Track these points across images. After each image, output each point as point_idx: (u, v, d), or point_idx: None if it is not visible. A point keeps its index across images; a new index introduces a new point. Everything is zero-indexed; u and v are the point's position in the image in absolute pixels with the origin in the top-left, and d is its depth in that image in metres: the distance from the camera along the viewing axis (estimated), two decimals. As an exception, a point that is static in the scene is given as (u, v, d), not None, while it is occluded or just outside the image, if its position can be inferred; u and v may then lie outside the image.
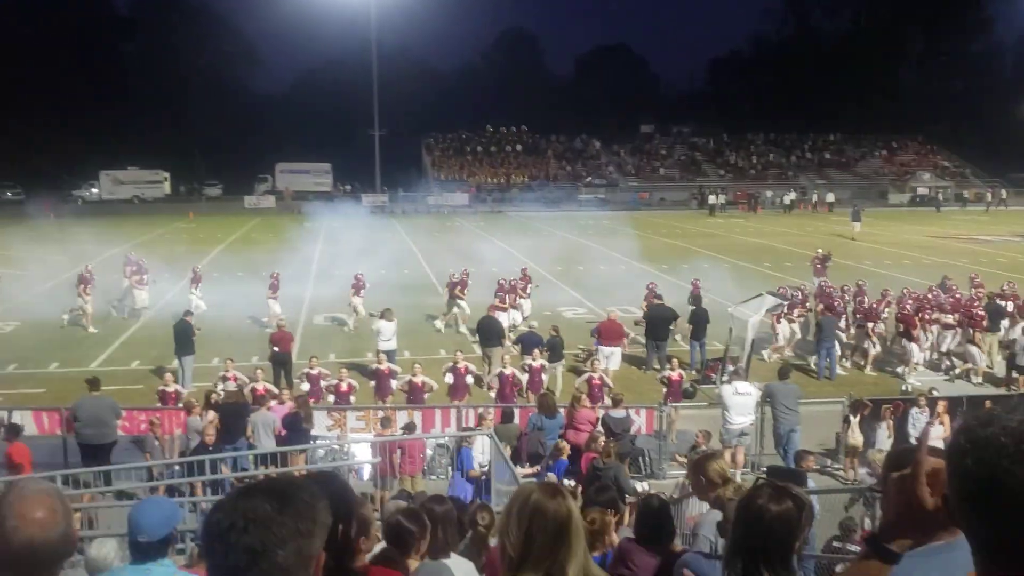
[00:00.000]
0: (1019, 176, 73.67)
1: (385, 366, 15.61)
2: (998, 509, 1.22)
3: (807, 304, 20.74)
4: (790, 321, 19.43)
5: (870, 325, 18.68)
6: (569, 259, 33.69)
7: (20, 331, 22.33)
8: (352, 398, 14.96)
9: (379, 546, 4.46)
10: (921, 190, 67.56)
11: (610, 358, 17.44)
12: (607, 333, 17.80)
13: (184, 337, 17.16)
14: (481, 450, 11.69)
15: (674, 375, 15.52)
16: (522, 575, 2.39)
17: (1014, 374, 16.89)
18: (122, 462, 11.57)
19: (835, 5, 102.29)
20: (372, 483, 11.40)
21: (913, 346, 17.99)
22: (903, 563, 2.17)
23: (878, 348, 18.80)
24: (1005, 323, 19.09)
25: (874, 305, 19.40)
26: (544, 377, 16.17)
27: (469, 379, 15.53)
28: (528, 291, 22.42)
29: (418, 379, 14.86)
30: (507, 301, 20.92)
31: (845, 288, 21.27)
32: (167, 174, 74.35)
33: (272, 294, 21.99)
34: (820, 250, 27.34)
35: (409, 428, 12.41)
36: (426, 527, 4.24)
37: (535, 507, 2.42)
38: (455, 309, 21.92)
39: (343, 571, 2.86)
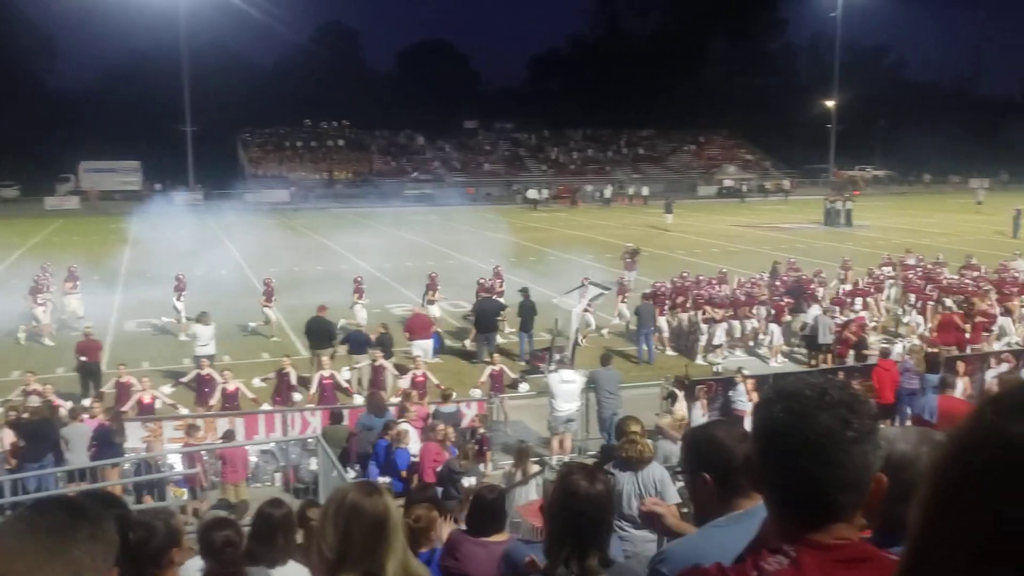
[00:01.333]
0: (814, 167, 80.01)
1: (206, 372, 14.97)
2: (800, 453, 1.38)
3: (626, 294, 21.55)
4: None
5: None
6: (397, 255, 33.48)
7: None
8: (157, 405, 14.20)
9: (196, 559, 4.28)
10: (727, 182, 71.90)
11: (424, 352, 17.50)
12: (415, 327, 17.85)
13: None
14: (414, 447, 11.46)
15: (495, 368, 15.73)
16: (341, 575, 2.36)
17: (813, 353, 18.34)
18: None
19: (644, 7, 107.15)
20: (188, 494, 10.90)
21: (717, 329, 19.18)
22: (707, 532, 2.30)
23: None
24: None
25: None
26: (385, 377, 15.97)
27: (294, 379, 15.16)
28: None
29: (231, 386, 14.36)
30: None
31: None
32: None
33: (70, 289, 20.64)
34: (629, 245, 28.43)
35: (228, 436, 11.94)
36: (240, 534, 4.09)
37: (352, 506, 2.40)
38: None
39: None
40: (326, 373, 15.17)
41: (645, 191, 64.63)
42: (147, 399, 13.96)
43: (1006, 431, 0.60)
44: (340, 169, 72.79)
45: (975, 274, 22.78)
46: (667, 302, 20.06)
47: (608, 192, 64.80)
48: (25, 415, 11.82)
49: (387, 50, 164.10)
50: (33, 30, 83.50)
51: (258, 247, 34.64)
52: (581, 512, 2.68)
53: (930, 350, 15.93)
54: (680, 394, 14.00)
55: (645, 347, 19.02)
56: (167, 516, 3.35)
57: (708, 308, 19.38)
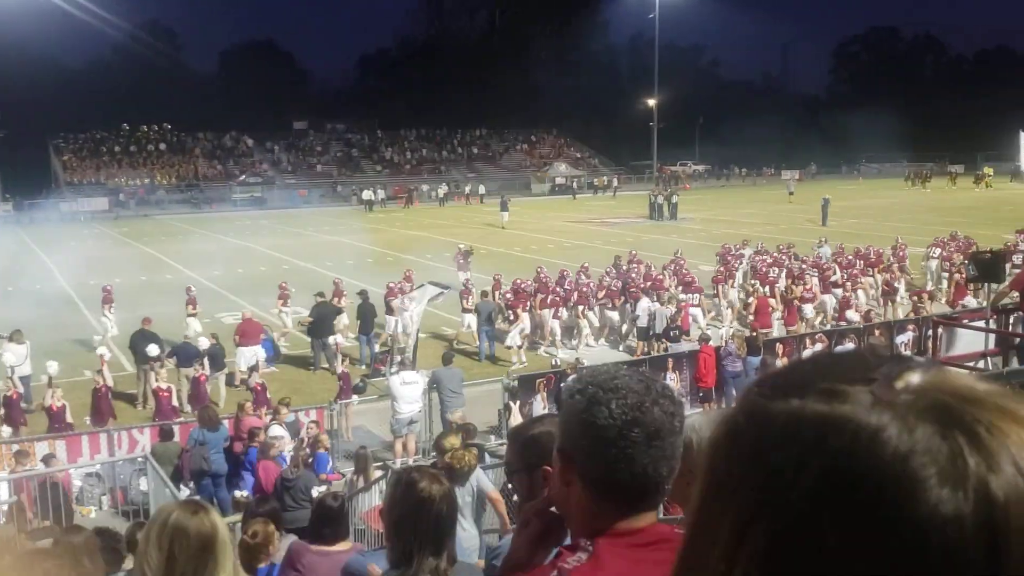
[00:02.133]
0: (639, 163, 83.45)
1: (12, 391, 13.96)
2: (637, 446, 1.43)
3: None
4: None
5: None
6: (227, 262, 32.31)
7: None
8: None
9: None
10: (559, 180, 73.70)
11: (248, 359, 17.08)
12: (245, 333, 17.36)
13: None
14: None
15: (343, 371, 15.54)
16: None
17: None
18: None
19: (472, 6, 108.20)
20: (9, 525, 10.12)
21: (554, 323, 19.70)
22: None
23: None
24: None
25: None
26: (207, 387, 15.42)
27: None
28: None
29: (56, 403, 13.49)
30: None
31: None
32: None
33: None
34: (462, 245, 28.49)
35: (48, 459, 11.18)
36: (65, 562, 3.86)
37: (176, 526, 2.33)
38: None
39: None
40: (163, 386, 14.49)
41: (481, 189, 65.29)
42: None
43: (768, 409, 0.64)
44: (162, 174, 69.33)
45: (769, 259, 24.42)
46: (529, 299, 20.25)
47: (443, 191, 64.96)
48: None
49: (209, 50, 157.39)
50: None
51: (76, 259, 32.56)
52: (427, 514, 2.70)
53: (749, 334, 17.00)
54: (513, 406, 14.22)
55: (486, 343, 19.24)
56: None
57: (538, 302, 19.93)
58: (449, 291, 19.49)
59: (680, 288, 21.29)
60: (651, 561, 1.39)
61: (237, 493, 9.73)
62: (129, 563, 5.68)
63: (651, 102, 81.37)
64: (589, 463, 1.46)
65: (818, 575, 0.59)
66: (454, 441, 6.76)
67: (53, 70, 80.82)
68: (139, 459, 11.43)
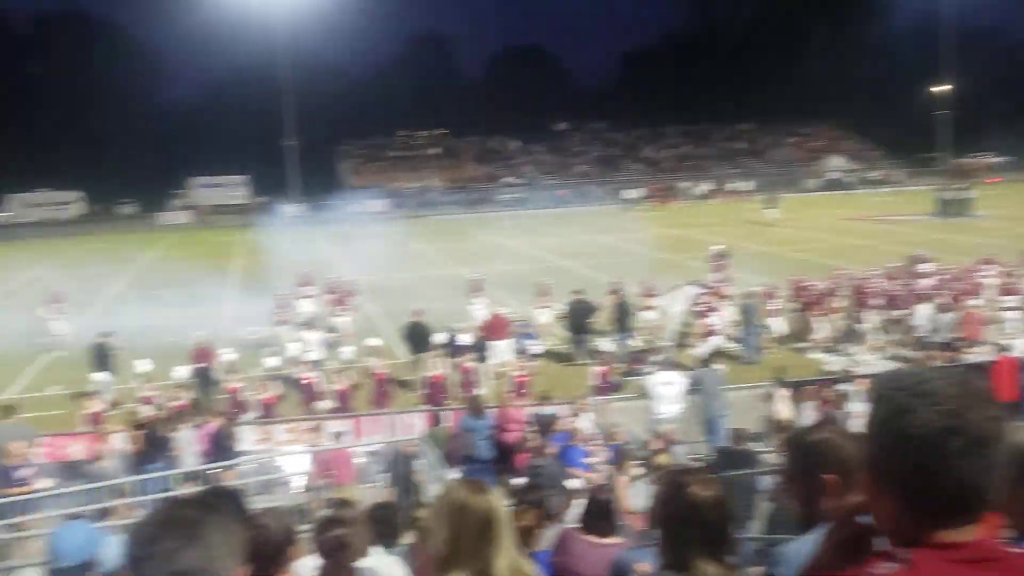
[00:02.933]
0: (924, 156, 76.65)
1: (311, 375, 15.42)
2: (956, 455, 1.29)
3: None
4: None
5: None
6: (490, 259, 33.70)
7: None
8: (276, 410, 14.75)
9: (312, 558, 4.37)
10: (832, 174, 69.68)
11: (502, 353, 17.53)
12: (492, 328, 17.89)
13: (102, 357, 16.62)
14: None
15: (600, 369, 15.65)
16: (451, 573, 2.37)
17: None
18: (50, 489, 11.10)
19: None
20: (303, 495, 11.19)
21: (820, 325, 18.67)
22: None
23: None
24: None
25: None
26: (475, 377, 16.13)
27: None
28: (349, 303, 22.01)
29: (340, 386, 14.82)
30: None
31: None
32: (79, 194, 72.10)
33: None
34: (717, 246, 26.94)
35: (338, 437, 12.22)
36: (355, 531, 4.15)
37: (459, 505, 2.41)
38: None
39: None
40: (435, 374, 15.47)
41: (745, 186, 63.15)
42: (268, 398, 14.55)
43: None
44: (435, 177, 73.88)
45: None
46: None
47: (701, 189, 63.56)
48: (142, 422, 12.38)
49: (479, 56, 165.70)
50: (143, 51, 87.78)
51: (358, 255, 35.46)
52: (696, 519, 2.59)
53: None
54: (783, 394, 13.61)
55: (750, 346, 18.57)
56: (282, 516, 3.44)
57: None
58: (708, 291, 19.09)
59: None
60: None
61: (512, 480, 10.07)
62: (406, 538, 6.05)
63: (940, 89, 74.64)
64: (901, 474, 1.34)
65: None
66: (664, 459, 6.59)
67: (342, 81, 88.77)
68: (415, 441, 12.14)
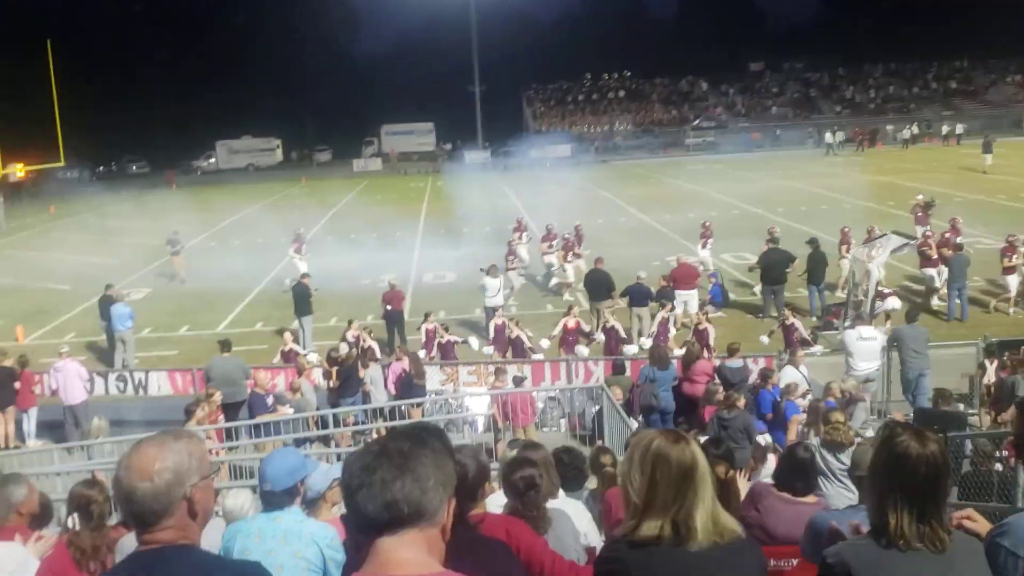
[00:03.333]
0: None
1: (499, 320, 15.77)
2: None
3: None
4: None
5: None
6: (678, 206, 33.00)
7: (152, 297, 23.46)
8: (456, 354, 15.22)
9: (497, 495, 4.46)
10: (1059, 115, 62.79)
11: (687, 303, 17.16)
12: (680, 277, 17.41)
13: (302, 299, 17.65)
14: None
15: (790, 323, 15.01)
16: (647, 522, 2.33)
17: None
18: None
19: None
20: (487, 434, 11.54)
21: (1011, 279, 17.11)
22: None
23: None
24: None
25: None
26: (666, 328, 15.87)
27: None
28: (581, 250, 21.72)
29: (515, 334, 15.02)
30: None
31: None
32: (279, 141, 76.72)
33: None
34: (921, 196, 25.21)
35: (518, 382, 12.45)
36: (544, 472, 4.20)
37: (657, 453, 2.36)
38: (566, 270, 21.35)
39: (463, 517, 2.86)
40: (610, 323, 15.40)
41: (959, 129, 58.01)
42: (445, 341, 15.10)
43: None
44: (621, 121, 72.84)
45: None
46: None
47: (908, 132, 58.97)
48: (338, 359, 13.10)
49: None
50: (340, 3, 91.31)
51: (542, 201, 35.72)
52: (903, 472, 2.41)
53: None
54: (991, 365, 12.54)
55: (958, 302, 17.25)
56: (477, 453, 3.51)
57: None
58: (914, 243, 17.82)
59: None
60: None
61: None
62: (591, 483, 6.09)
63: None
64: None
65: None
66: (607, 459, 6.24)
67: (527, 26, 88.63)
68: (594, 388, 12.19)
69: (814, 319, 17.44)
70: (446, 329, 15.66)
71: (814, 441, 8.63)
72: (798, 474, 4.50)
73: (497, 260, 19.24)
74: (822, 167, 47.06)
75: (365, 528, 1.72)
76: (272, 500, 3.68)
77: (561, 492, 4.66)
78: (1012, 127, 61.46)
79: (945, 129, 59.43)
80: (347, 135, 75.28)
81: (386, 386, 13.18)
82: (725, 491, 4.82)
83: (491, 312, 17.10)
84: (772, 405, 10.89)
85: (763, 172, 45.65)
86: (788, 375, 11.55)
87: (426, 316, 16.21)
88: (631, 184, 42.56)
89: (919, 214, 23.00)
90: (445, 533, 1.78)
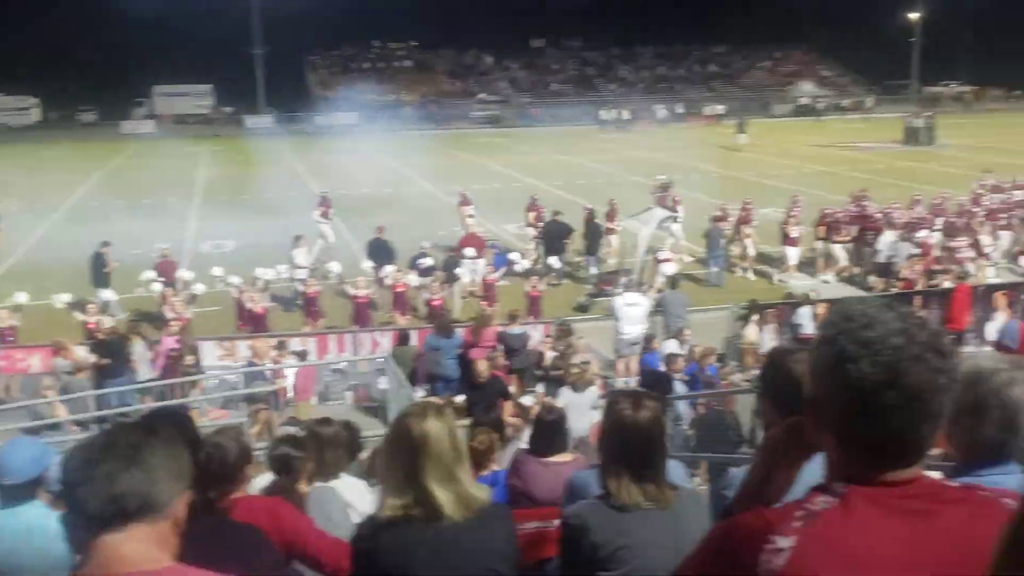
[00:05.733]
0: (895, 84, 76.55)
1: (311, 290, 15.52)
2: (893, 408, 1.28)
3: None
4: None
5: (746, 230, 19.43)
6: (463, 178, 33.40)
7: None
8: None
9: (266, 476, 4.40)
10: (803, 100, 69.29)
11: (475, 271, 17.49)
12: (466, 246, 17.85)
13: (98, 270, 16.48)
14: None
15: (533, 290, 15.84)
16: (389, 499, 2.36)
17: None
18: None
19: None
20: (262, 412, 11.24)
21: (791, 250, 18.83)
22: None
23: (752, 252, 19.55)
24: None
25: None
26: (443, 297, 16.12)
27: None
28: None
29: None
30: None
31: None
32: (35, 99, 69.83)
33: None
34: (660, 177, 25.94)
35: (302, 355, 12.24)
36: (311, 451, 4.18)
37: (397, 428, 2.40)
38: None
39: (209, 504, 2.79)
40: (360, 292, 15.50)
41: (719, 110, 62.59)
42: (258, 309, 14.58)
43: None
44: (408, 91, 72.46)
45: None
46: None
47: (663, 113, 61.64)
48: (101, 335, 12.26)
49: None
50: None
51: (327, 169, 34.96)
52: (629, 439, 2.63)
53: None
54: (754, 320, 13.84)
55: (715, 270, 18.75)
56: (237, 434, 3.43)
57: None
58: (677, 215, 19.13)
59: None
60: (910, 512, 1.28)
61: (458, 399, 10.14)
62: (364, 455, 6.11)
63: (912, 15, 74.06)
64: (836, 419, 1.34)
65: None
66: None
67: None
68: (379, 360, 12.20)
69: (590, 286, 18.35)
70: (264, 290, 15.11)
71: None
72: (548, 437, 4.71)
73: (282, 229, 18.72)
74: (597, 142, 49.22)
75: (87, 525, 1.61)
76: (15, 493, 3.37)
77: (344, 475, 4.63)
78: (763, 109, 67.17)
79: (706, 110, 63.96)
80: (116, 95, 69.61)
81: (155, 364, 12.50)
82: (487, 459, 5.00)
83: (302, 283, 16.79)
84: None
85: (544, 147, 47.11)
86: (669, 346, 12.45)
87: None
88: (417, 155, 42.52)
89: (659, 195, 22.94)
90: (178, 526, 1.70)
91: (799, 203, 20.29)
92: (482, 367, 10.83)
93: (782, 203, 21.16)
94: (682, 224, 20.51)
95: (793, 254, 18.95)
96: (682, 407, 10.24)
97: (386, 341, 14.06)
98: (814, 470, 1.44)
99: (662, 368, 11.40)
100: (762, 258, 20.03)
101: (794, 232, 19.04)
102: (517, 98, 72.09)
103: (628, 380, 12.72)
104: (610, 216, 20.51)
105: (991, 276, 17.59)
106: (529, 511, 4.09)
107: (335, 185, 27.16)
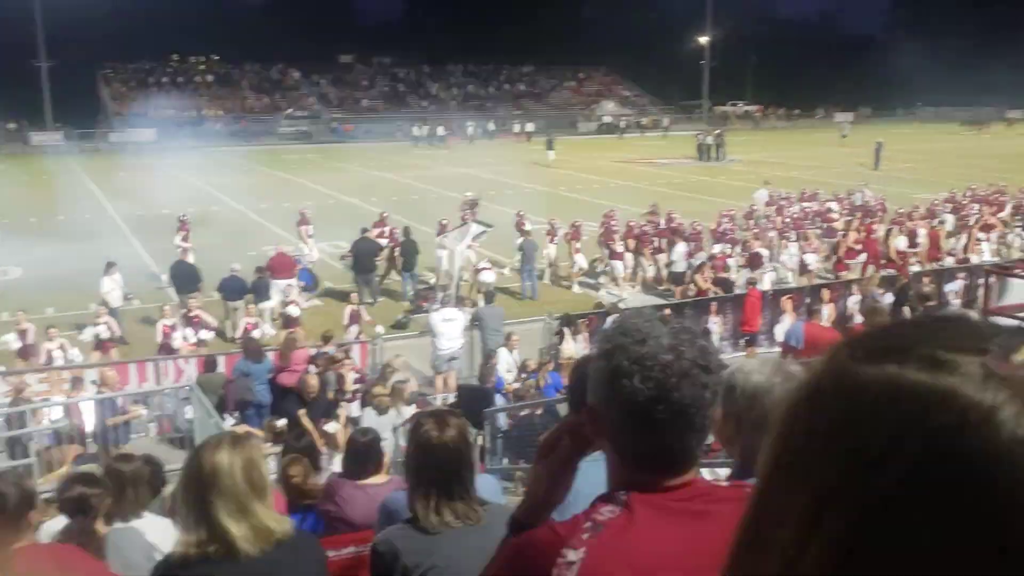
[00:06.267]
0: (689, 103, 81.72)
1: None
2: (664, 422, 1.35)
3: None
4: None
5: (576, 245, 20.12)
6: (273, 195, 32.50)
7: None
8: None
9: (60, 519, 4.09)
10: (606, 118, 72.45)
11: (285, 292, 17.10)
12: (277, 267, 17.42)
13: None
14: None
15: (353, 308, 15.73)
16: (185, 536, 2.27)
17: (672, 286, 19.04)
18: None
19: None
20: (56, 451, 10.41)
21: (618, 264, 19.62)
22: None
23: (584, 266, 20.24)
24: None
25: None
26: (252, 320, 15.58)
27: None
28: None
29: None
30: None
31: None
32: None
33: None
34: (468, 194, 26.33)
35: (100, 386, 11.43)
36: (108, 488, 3.91)
37: (192, 461, 2.31)
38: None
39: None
40: (168, 322, 14.75)
41: (529, 127, 64.32)
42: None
43: (860, 375, 0.55)
44: (210, 107, 69.61)
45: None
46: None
47: (470, 128, 62.23)
48: None
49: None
50: None
51: (124, 189, 33.01)
52: (435, 460, 2.64)
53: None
54: (568, 332, 14.25)
55: (528, 283, 19.19)
56: (18, 479, 3.17)
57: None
58: (492, 229, 19.41)
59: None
60: (687, 513, 1.36)
61: (278, 423, 9.84)
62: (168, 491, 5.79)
63: (703, 40, 79.38)
64: (614, 432, 1.41)
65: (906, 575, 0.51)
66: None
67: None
68: (185, 388, 11.61)
69: (407, 304, 18.30)
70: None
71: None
72: (361, 459, 4.66)
73: (77, 254, 17.46)
74: (410, 159, 49.31)
75: None
76: None
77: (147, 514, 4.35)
78: (569, 127, 69.70)
79: (516, 127, 65.56)
80: None
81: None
82: (300, 491, 4.85)
83: (116, 312, 15.70)
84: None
85: (356, 163, 46.64)
86: (502, 357, 12.73)
87: None
88: (223, 172, 40.93)
89: (466, 212, 23.14)
90: None
91: (615, 217, 21.19)
92: (312, 381, 10.59)
93: (591, 216, 22.01)
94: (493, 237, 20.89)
95: (619, 267, 19.69)
96: (502, 419, 10.42)
97: (191, 368, 13.40)
98: (598, 479, 1.50)
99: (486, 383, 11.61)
100: (590, 272, 20.72)
101: (619, 246, 19.86)
102: (327, 114, 70.93)
103: (447, 396, 12.78)
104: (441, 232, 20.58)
105: (778, 281, 19.03)
106: (345, 536, 4.02)
107: (134, 206, 25.66)
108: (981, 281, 15.50)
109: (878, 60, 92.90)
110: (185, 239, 20.09)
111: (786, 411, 0.60)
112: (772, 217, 23.20)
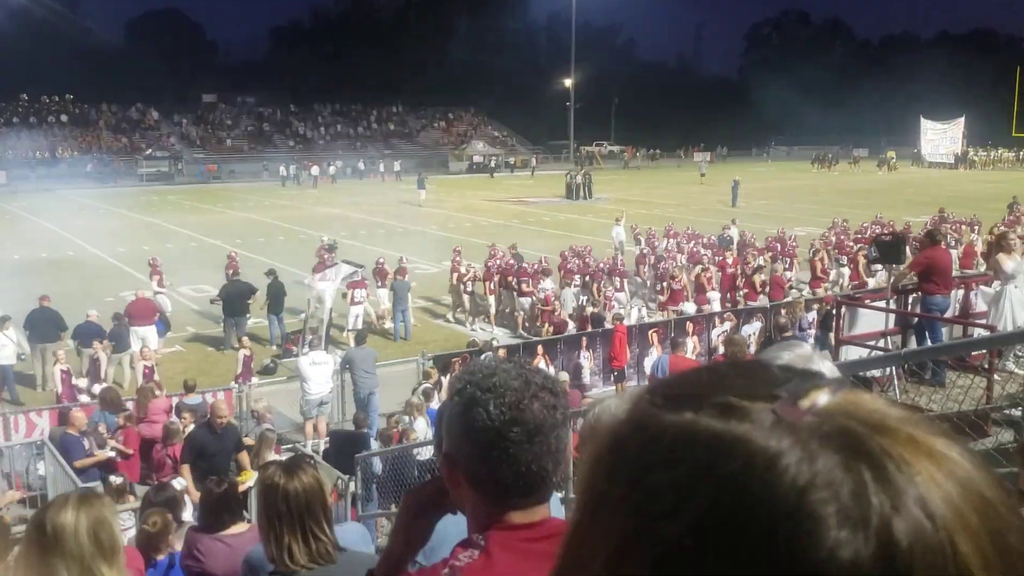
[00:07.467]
0: (557, 143, 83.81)
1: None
2: (517, 445, 1.42)
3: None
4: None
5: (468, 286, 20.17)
6: (132, 239, 31.22)
7: None
8: None
9: None
10: (476, 158, 73.29)
11: (145, 339, 16.38)
12: (137, 312, 16.73)
13: None
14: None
15: (247, 353, 15.17)
16: None
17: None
18: None
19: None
20: None
21: (491, 299, 19.77)
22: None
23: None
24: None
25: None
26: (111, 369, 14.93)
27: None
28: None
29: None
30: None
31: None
32: None
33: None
34: (324, 238, 25.74)
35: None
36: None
37: (31, 524, 2.23)
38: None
39: None
40: (63, 367, 13.97)
41: (397, 167, 64.38)
42: None
43: (659, 420, 0.56)
44: (65, 147, 66.37)
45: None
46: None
47: (332, 167, 61.46)
48: None
49: (114, 19, 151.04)
50: None
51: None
52: (286, 507, 2.63)
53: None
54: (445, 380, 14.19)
55: (402, 323, 19.09)
56: None
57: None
58: (363, 270, 19.25)
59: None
60: (543, 555, 1.39)
61: (112, 478, 9.38)
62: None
63: (568, 82, 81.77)
64: (472, 465, 1.45)
65: None
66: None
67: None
68: (37, 443, 10.97)
69: (274, 347, 17.88)
70: None
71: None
72: (219, 510, 4.53)
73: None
74: (277, 199, 48.44)
75: None
76: None
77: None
78: (440, 166, 70.19)
79: (383, 167, 65.45)
80: None
81: None
82: (153, 542, 4.68)
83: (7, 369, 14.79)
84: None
85: (221, 204, 45.43)
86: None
87: None
88: (79, 215, 39.04)
89: (325, 255, 22.41)
90: None
91: (498, 255, 21.35)
92: (221, 408, 10.16)
93: (469, 256, 22.08)
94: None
95: (526, 303, 19.72)
96: (378, 464, 10.29)
97: (44, 421, 12.67)
98: (458, 527, 1.55)
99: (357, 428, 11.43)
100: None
101: (479, 287, 19.98)
102: (190, 153, 68.85)
103: (317, 442, 12.54)
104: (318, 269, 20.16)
105: (643, 315, 19.63)
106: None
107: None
108: (834, 312, 16.40)
109: (734, 101, 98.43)
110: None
111: (591, 456, 0.61)
112: (671, 251, 23.63)
